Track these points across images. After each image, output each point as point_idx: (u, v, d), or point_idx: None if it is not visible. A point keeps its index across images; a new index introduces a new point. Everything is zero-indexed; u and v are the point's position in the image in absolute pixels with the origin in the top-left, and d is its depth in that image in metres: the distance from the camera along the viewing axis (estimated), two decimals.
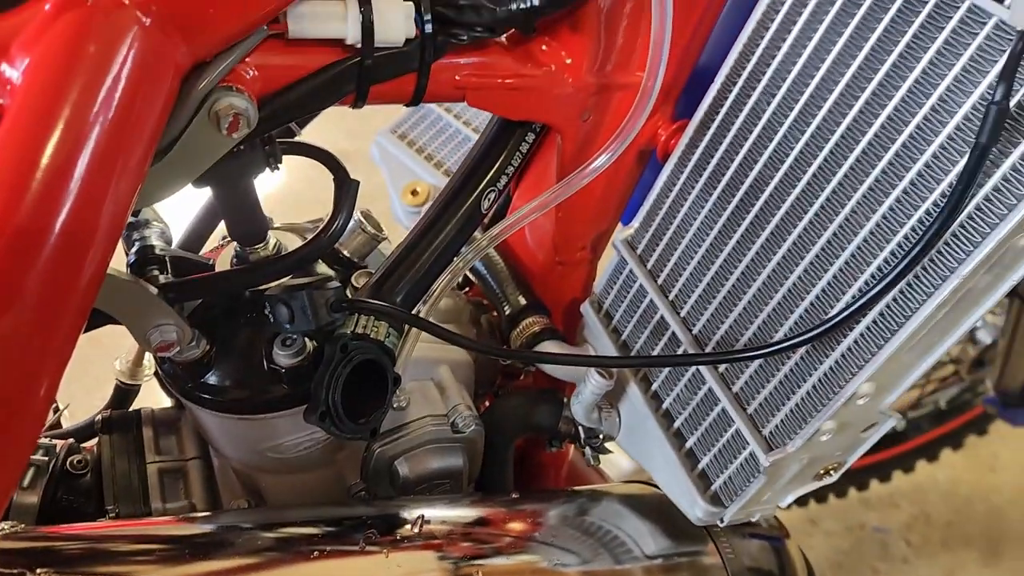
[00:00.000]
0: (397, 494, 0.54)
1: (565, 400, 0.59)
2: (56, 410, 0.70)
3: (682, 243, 0.51)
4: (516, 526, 0.50)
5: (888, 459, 1.32)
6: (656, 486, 0.56)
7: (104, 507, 0.54)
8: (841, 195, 0.41)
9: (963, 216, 0.36)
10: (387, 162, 0.77)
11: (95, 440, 0.59)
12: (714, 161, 0.48)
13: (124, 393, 0.66)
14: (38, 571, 0.43)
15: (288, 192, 1.72)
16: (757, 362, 0.45)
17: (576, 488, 0.57)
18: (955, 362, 1.24)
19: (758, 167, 0.45)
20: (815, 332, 0.40)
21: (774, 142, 0.44)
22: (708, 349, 0.48)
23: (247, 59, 0.39)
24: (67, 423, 0.66)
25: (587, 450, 0.58)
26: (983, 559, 1.33)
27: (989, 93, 0.33)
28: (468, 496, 0.53)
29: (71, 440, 0.59)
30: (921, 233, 0.36)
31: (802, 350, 0.43)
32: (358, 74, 0.41)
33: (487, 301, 0.65)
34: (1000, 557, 1.33)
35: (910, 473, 1.33)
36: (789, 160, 0.43)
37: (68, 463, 0.57)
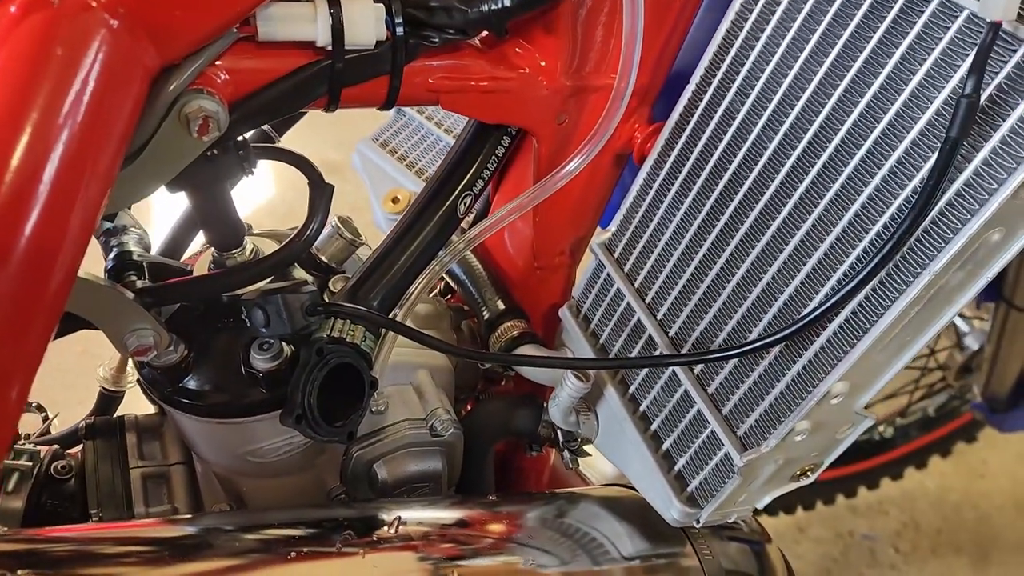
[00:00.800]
0: (376, 497, 0.54)
1: (544, 404, 0.59)
2: (46, 419, 0.70)
3: (659, 245, 0.51)
4: (494, 527, 0.50)
5: (877, 466, 1.32)
6: (635, 489, 0.56)
7: (88, 511, 0.54)
8: (814, 193, 0.42)
9: (935, 212, 0.36)
10: (368, 170, 0.78)
11: (80, 447, 0.60)
12: (689, 162, 0.49)
13: (108, 400, 0.66)
14: (19, 572, 0.42)
15: (280, 202, 1.72)
16: (732, 363, 0.46)
17: (554, 491, 0.57)
18: (943, 368, 1.25)
19: (733, 167, 0.46)
20: (787, 331, 0.41)
21: (748, 141, 0.45)
22: (684, 351, 0.49)
23: (218, 62, 0.39)
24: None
25: (565, 453, 0.58)
26: (973, 566, 1.33)
27: (960, 87, 0.34)
28: (447, 498, 0.53)
29: (56, 446, 0.60)
30: (893, 230, 0.36)
31: (776, 350, 0.43)
32: (329, 77, 0.41)
33: (468, 307, 0.65)
34: (990, 564, 1.33)
35: (899, 480, 1.33)
36: (763, 159, 0.44)
37: (52, 468, 0.57)
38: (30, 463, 0.57)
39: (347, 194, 0.78)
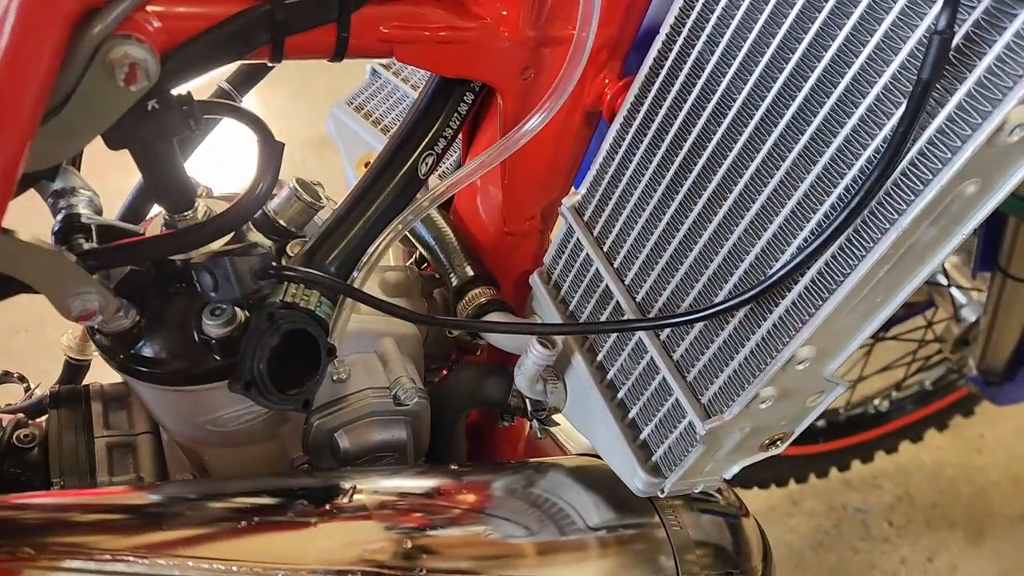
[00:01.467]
0: (339, 467, 0.53)
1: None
2: (28, 389, 0.69)
3: (627, 207, 0.49)
4: (458, 497, 0.49)
5: (871, 439, 1.31)
6: (599, 457, 0.54)
7: (50, 480, 0.54)
8: (783, 146, 0.39)
9: (905, 163, 0.33)
10: (342, 135, 0.75)
11: (46, 416, 0.59)
12: (658, 118, 0.46)
13: (74, 369, 0.65)
14: None
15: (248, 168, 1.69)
16: (697, 328, 0.44)
17: (522, 461, 0.55)
18: (940, 341, 1.23)
19: (701, 121, 0.43)
20: (751, 293, 0.39)
21: (717, 94, 0.42)
22: (650, 316, 0.47)
23: (148, 8, 0.37)
24: None
25: (534, 423, 0.56)
26: (967, 540, 1.32)
27: (933, 24, 0.31)
28: (409, 468, 0.51)
29: (20, 415, 0.59)
30: (860, 183, 0.34)
31: (741, 313, 0.41)
32: (271, 24, 0.39)
33: (440, 276, 0.64)
34: (984, 538, 1.32)
35: (894, 454, 1.32)
36: (732, 112, 0.41)
37: (15, 437, 0.56)
38: None
39: (342, 170, 0.76)
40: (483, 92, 0.53)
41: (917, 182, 0.33)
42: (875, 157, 0.35)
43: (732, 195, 0.42)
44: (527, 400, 0.56)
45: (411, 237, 0.62)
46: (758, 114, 0.40)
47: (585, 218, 0.53)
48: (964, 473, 1.42)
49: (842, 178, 0.36)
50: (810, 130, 0.38)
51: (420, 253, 0.70)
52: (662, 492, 0.46)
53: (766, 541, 0.57)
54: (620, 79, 0.52)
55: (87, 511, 0.45)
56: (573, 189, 0.59)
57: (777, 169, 0.39)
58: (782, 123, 0.39)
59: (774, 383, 0.40)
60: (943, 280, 1.14)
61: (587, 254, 0.52)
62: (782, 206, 0.39)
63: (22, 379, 0.71)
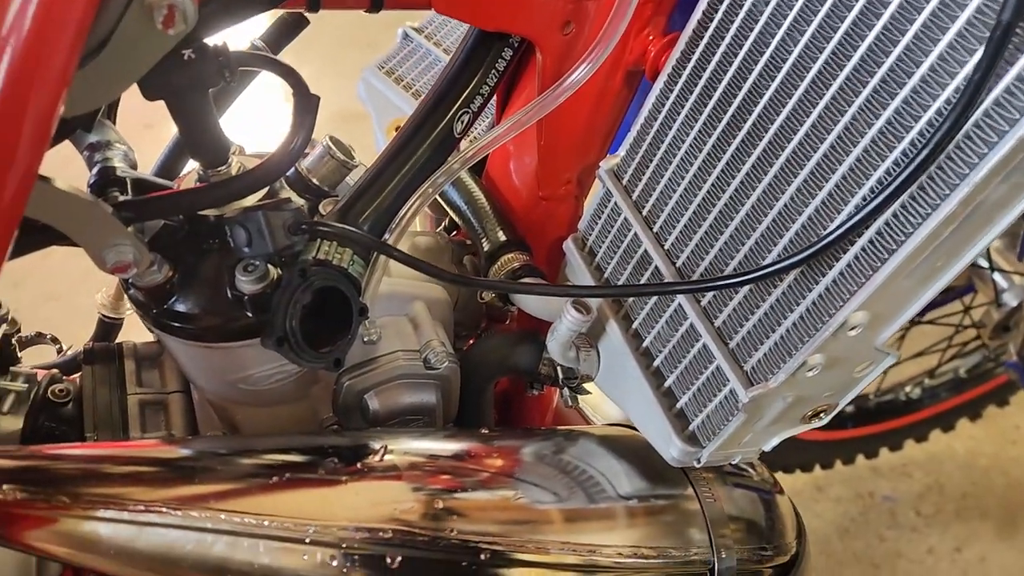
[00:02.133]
0: (367, 428, 0.53)
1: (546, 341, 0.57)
2: (60, 350, 0.70)
3: (669, 169, 0.47)
4: (487, 461, 0.48)
5: (901, 427, 1.28)
6: (632, 427, 0.53)
7: (84, 435, 0.54)
8: (843, 98, 0.37)
9: (979, 112, 0.31)
10: (373, 99, 0.74)
11: (79, 373, 0.60)
12: (705, 75, 0.45)
13: (107, 327, 0.66)
14: (4, 487, 0.42)
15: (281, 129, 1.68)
16: (742, 293, 0.42)
17: (551, 428, 0.55)
18: (978, 326, 1.19)
19: (753, 75, 0.41)
20: (806, 253, 0.37)
21: (771, 46, 0.40)
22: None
23: None
24: None
25: (565, 391, 0.55)
26: (998, 532, 1.29)
27: None
28: (439, 430, 0.51)
29: (54, 371, 0.60)
30: (929, 136, 0.32)
31: (791, 276, 0.40)
32: None
33: (471, 242, 0.63)
34: (1017, 530, 1.29)
35: (923, 443, 1.29)
36: (788, 64, 0.39)
37: (50, 392, 0.57)
38: (26, 385, 0.57)
39: (371, 143, 0.75)
40: (521, 50, 0.51)
41: (991, 133, 0.31)
42: (945, 108, 0.33)
43: (785, 152, 0.40)
44: (558, 368, 0.55)
45: (441, 202, 0.61)
46: (816, 65, 0.38)
47: (624, 181, 0.51)
48: (998, 464, 1.38)
49: (908, 131, 0.34)
50: (874, 80, 0.36)
51: (449, 221, 0.70)
52: (698, 462, 0.45)
53: (800, 519, 0.56)
54: (664, 36, 0.50)
55: (121, 463, 0.46)
56: (609, 154, 0.58)
57: (836, 123, 0.37)
58: (844, 72, 0.37)
59: (823, 350, 0.39)
60: (984, 263, 1.10)
61: (625, 218, 0.51)
62: (840, 162, 0.37)
63: (55, 340, 0.72)
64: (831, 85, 0.38)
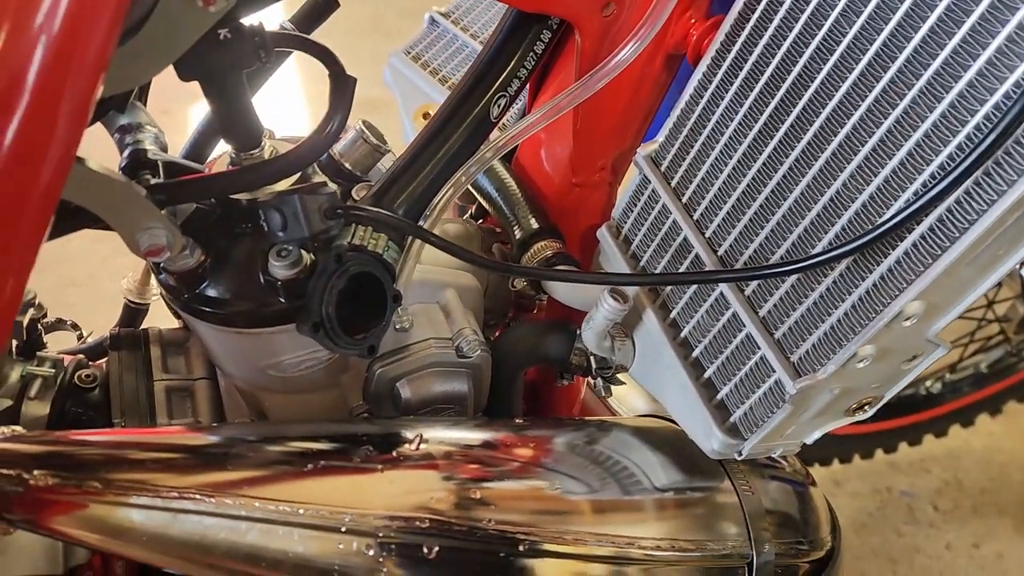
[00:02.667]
0: (398, 417, 0.52)
1: (577, 331, 0.56)
2: (80, 336, 0.70)
3: (711, 155, 0.46)
4: (520, 451, 0.47)
5: (920, 422, 1.26)
6: (671, 420, 0.52)
7: (111, 421, 0.54)
8: (901, 84, 0.36)
9: None
10: (399, 84, 0.73)
11: (105, 358, 0.59)
12: (752, 58, 0.43)
13: (133, 312, 0.66)
14: (35, 472, 0.42)
15: (308, 114, 1.67)
16: (789, 282, 0.41)
17: (584, 418, 0.54)
18: (1002, 321, 1.17)
19: (804, 59, 0.40)
20: (860, 241, 0.36)
21: (823, 28, 0.39)
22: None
23: None
24: None
25: (598, 381, 0.55)
26: (1016, 528, 1.28)
27: None
28: (472, 419, 0.50)
29: (81, 356, 0.59)
30: (997, 118, 0.31)
31: (842, 264, 0.38)
32: None
33: (500, 228, 0.62)
34: None
35: (942, 438, 1.28)
36: (842, 46, 0.38)
37: (77, 377, 0.57)
38: (53, 371, 0.57)
39: (391, 132, 0.75)
40: (558, 33, 0.50)
41: None
42: (1014, 91, 0.32)
43: (838, 137, 0.39)
44: (591, 358, 0.54)
45: (471, 188, 0.60)
46: (876, 44, 0.37)
47: (662, 168, 0.50)
48: (1016, 460, 1.37)
49: (972, 115, 0.33)
50: (938, 61, 0.34)
51: (476, 207, 0.69)
52: (740, 454, 0.44)
53: (834, 513, 0.55)
54: (707, 19, 0.49)
55: (153, 449, 0.45)
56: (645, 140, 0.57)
57: (894, 106, 0.36)
58: (905, 51, 0.36)
59: (875, 341, 0.38)
60: None
61: (664, 205, 0.50)
62: (898, 147, 0.36)
63: (75, 327, 0.72)
64: (890, 66, 0.37)
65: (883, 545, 1.25)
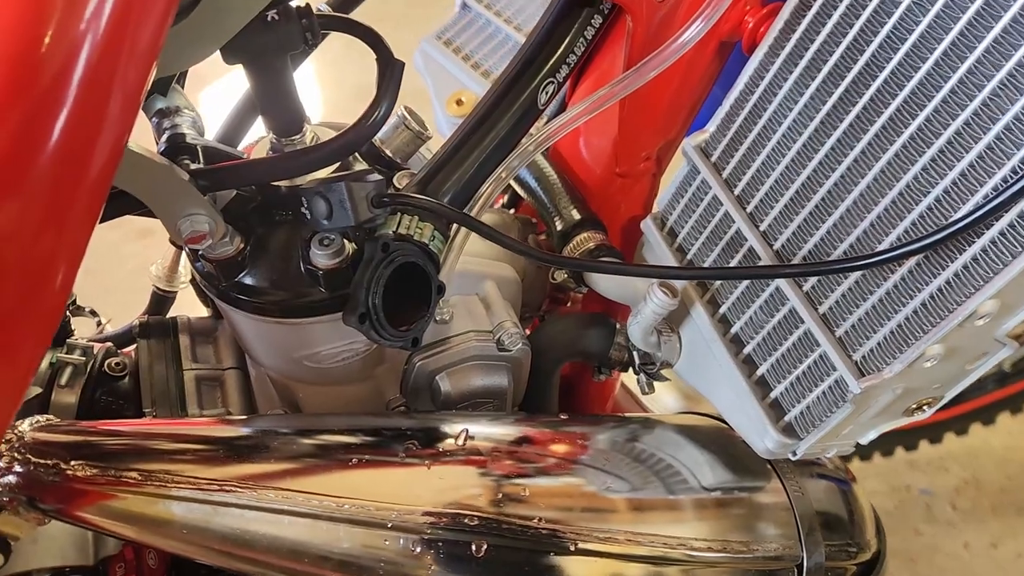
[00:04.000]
0: (438, 411, 0.51)
1: (616, 325, 0.55)
2: (99, 324, 0.69)
3: (767, 146, 0.45)
4: (567, 448, 0.46)
5: (942, 420, 1.25)
6: (713, 417, 0.51)
7: (142, 410, 0.53)
8: (980, 74, 0.34)
9: None
10: (431, 70, 0.72)
11: (133, 346, 0.58)
12: (814, 47, 0.42)
13: (161, 300, 0.65)
14: (72, 462, 0.41)
15: (348, 99, 1.59)
16: (852, 278, 0.40)
17: (627, 415, 0.53)
18: None
19: (872, 48, 0.39)
20: (934, 237, 0.34)
21: (895, 16, 0.38)
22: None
23: None
24: None
25: (641, 377, 0.53)
26: None
27: None
28: (513, 415, 0.49)
29: (109, 344, 0.58)
30: None
31: (911, 261, 0.37)
32: None
33: (538, 218, 0.60)
34: None
35: (963, 436, 1.26)
36: (916, 34, 0.37)
37: (106, 365, 0.56)
38: (83, 358, 0.56)
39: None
40: (608, 18, 0.48)
41: None
42: None
43: (908, 130, 0.37)
44: (634, 353, 0.53)
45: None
46: (951, 35, 0.35)
47: (713, 158, 0.49)
48: None
49: None
50: (1019, 54, 0.33)
51: (509, 197, 0.67)
52: (794, 454, 0.43)
53: (877, 514, 0.54)
54: (764, 6, 0.47)
55: (193, 441, 0.44)
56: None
57: (972, 98, 0.35)
58: (984, 42, 0.34)
59: (945, 340, 0.36)
60: None
61: (714, 196, 0.48)
62: (975, 141, 0.35)
63: (93, 313, 0.71)
64: (968, 56, 0.35)
65: (901, 544, 1.24)
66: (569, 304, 0.64)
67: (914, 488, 1.30)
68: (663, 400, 0.73)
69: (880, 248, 0.39)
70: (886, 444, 1.22)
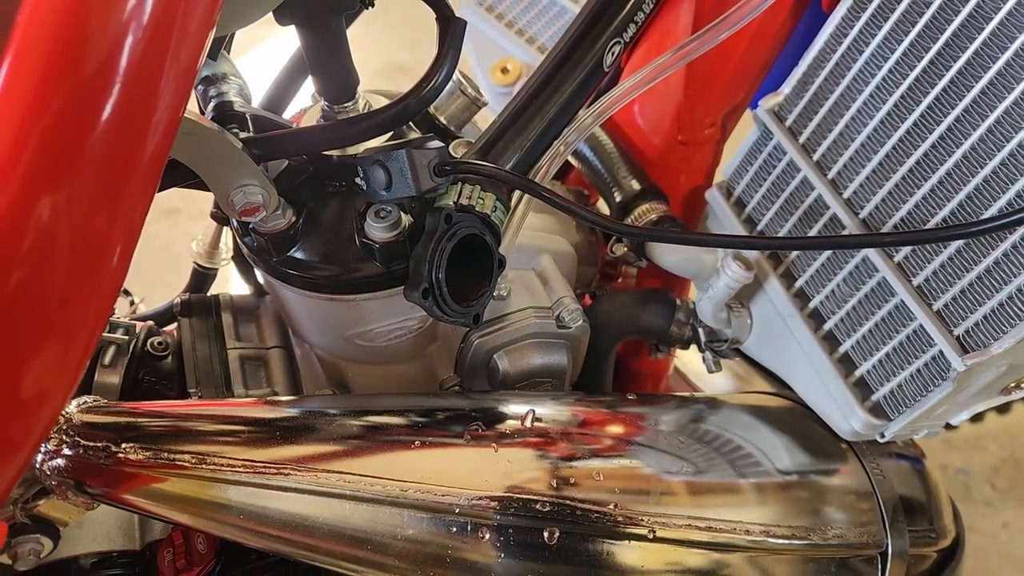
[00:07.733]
0: (494, 390, 0.49)
1: (676, 301, 0.52)
2: (132, 303, 0.68)
3: (851, 109, 0.42)
4: (635, 430, 0.44)
5: None
6: (782, 396, 0.49)
7: (186, 390, 0.52)
8: None
9: None
10: (473, 38, 0.69)
11: (174, 325, 0.57)
12: (904, 2, 0.39)
13: (202, 277, 0.63)
14: (123, 445, 0.39)
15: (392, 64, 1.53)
16: (952, 248, 0.37)
17: (693, 394, 0.50)
18: None
19: (973, 3, 0.36)
20: None
21: None
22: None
23: None
24: None
25: (707, 355, 0.51)
26: None
27: None
28: (574, 394, 0.47)
29: (151, 322, 0.57)
30: None
31: (1021, 231, 0.34)
32: None
33: (592, 189, 0.58)
34: None
35: (1005, 414, 1.24)
36: None
37: (149, 344, 0.55)
38: (126, 337, 0.54)
39: None
40: None
41: None
42: None
43: (1016, 91, 0.34)
44: (699, 330, 0.51)
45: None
46: None
47: (788, 123, 0.46)
48: None
49: None
50: None
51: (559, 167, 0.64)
52: (882, 436, 0.41)
53: (952, 499, 0.52)
54: None
55: (247, 423, 0.42)
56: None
57: None
58: None
59: None
60: None
61: (790, 161, 0.45)
62: None
63: (126, 292, 0.70)
64: None
65: None
66: (620, 280, 0.61)
67: (951, 467, 1.27)
68: (713, 380, 0.71)
69: (986, 216, 0.36)
70: None
